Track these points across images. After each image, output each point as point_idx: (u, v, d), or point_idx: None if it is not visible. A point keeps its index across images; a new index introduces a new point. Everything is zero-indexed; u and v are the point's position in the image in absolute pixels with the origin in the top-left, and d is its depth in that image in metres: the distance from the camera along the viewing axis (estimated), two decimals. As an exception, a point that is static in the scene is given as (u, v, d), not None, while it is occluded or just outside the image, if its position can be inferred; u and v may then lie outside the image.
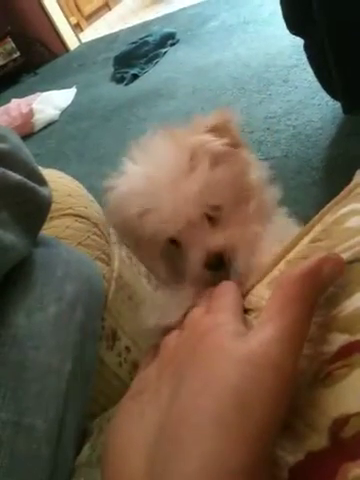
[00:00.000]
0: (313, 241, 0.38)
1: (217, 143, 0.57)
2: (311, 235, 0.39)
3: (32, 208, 0.67)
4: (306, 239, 0.39)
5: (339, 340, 0.31)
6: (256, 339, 0.31)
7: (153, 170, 0.56)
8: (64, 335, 0.62)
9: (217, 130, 0.58)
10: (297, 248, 0.39)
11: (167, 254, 0.58)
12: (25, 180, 0.65)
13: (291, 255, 0.40)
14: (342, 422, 0.28)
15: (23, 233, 0.63)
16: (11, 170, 0.63)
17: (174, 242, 0.56)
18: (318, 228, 0.39)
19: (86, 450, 0.55)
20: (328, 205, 0.40)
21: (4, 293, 0.61)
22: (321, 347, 0.32)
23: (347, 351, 0.30)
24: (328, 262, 0.33)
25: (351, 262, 0.33)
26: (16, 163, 0.66)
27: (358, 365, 0.29)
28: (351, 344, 0.30)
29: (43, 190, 0.69)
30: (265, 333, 0.31)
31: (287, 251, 0.40)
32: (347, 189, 0.40)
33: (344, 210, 0.38)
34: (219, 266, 0.53)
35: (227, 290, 0.42)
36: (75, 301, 0.67)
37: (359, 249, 0.33)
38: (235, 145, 0.59)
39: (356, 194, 0.39)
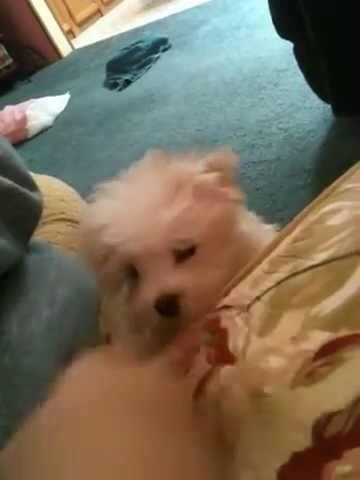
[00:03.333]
0: (295, 240, 0.39)
1: (207, 177, 0.54)
2: (293, 234, 0.40)
3: (23, 213, 0.67)
4: (288, 238, 0.40)
5: (321, 338, 0.31)
6: None
7: (131, 192, 0.54)
8: (57, 339, 0.62)
9: (212, 167, 0.56)
10: (280, 246, 0.40)
11: (124, 286, 0.55)
12: (16, 186, 0.65)
13: (274, 254, 0.40)
14: (324, 421, 0.29)
15: (15, 238, 0.64)
16: (2, 176, 0.64)
17: (133, 273, 0.53)
18: (300, 227, 0.39)
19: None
20: (309, 205, 0.41)
21: None
22: (303, 345, 0.32)
23: (329, 349, 0.30)
24: None
25: (331, 261, 0.33)
26: (7, 169, 0.66)
27: (340, 363, 0.30)
28: (333, 342, 0.30)
29: (34, 195, 0.70)
30: None
31: (270, 250, 0.41)
32: (328, 189, 0.41)
33: (326, 209, 0.39)
34: (170, 311, 0.49)
35: None
36: (68, 305, 0.67)
37: (340, 247, 0.34)
38: (225, 185, 0.56)
39: (337, 193, 0.40)
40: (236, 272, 0.48)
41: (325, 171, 1.50)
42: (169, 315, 0.50)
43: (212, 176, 0.55)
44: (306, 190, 1.46)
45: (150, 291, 0.50)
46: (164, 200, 0.52)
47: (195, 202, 0.52)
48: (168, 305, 0.49)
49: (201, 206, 0.52)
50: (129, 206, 0.53)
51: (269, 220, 1.39)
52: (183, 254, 0.52)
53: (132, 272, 0.54)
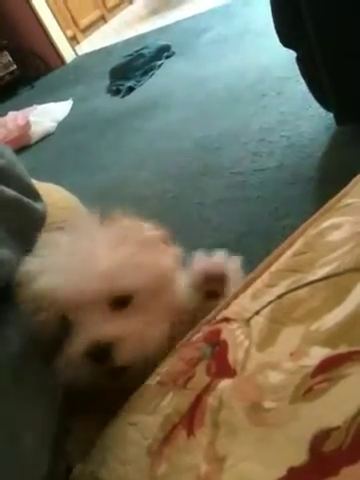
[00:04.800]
0: (296, 254, 0.39)
1: (153, 232, 0.58)
2: (294, 247, 0.40)
3: (27, 223, 0.68)
4: (289, 251, 0.40)
5: (320, 354, 0.31)
6: None
7: (73, 244, 0.55)
8: None
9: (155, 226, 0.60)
10: (280, 260, 0.40)
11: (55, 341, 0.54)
12: (20, 196, 0.66)
13: (274, 267, 0.40)
14: (323, 436, 0.29)
15: (18, 248, 0.64)
16: (6, 186, 0.64)
17: (65, 326, 0.53)
18: (301, 241, 0.40)
19: (79, 464, 0.55)
20: (311, 218, 0.41)
21: None
22: (302, 361, 0.32)
23: (328, 365, 0.31)
24: None
25: (331, 277, 0.34)
26: (11, 179, 0.67)
27: (339, 379, 0.30)
28: (332, 358, 0.31)
29: (38, 205, 0.70)
30: None
31: (271, 263, 0.41)
32: (330, 203, 0.41)
33: (326, 224, 0.39)
34: (100, 357, 0.50)
35: None
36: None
37: (340, 263, 0.34)
38: (167, 243, 0.59)
39: (338, 208, 0.40)
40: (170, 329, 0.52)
41: (327, 179, 1.50)
42: (102, 362, 0.50)
43: (158, 232, 0.58)
44: (308, 198, 1.46)
45: (83, 338, 0.50)
46: (105, 249, 0.53)
47: (138, 252, 0.54)
48: (100, 353, 0.50)
49: (143, 256, 0.55)
50: (66, 255, 0.54)
51: (271, 228, 1.40)
52: (119, 303, 0.52)
53: (65, 325, 0.53)
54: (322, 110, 1.68)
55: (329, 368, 0.30)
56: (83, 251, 0.53)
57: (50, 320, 0.52)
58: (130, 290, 0.53)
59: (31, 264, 0.55)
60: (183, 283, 0.60)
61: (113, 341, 0.50)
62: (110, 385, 0.52)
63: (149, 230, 0.59)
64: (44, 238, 0.60)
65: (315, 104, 1.67)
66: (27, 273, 0.54)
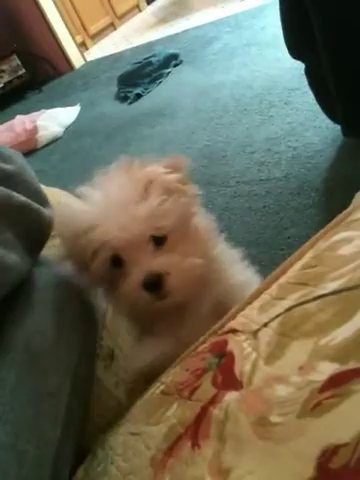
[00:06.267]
0: (305, 267, 0.39)
1: (170, 176, 0.66)
2: (303, 261, 0.40)
3: (35, 229, 0.68)
4: (298, 264, 0.40)
5: (329, 369, 0.31)
6: None
7: (107, 194, 0.64)
8: (63, 356, 0.62)
9: (173, 169, 0.67)
10: (288, 273, 0.40)
11: (109, 278, 0.64)
12: (30, 201, 0.66)
13: (283, 279, 0.40)
14: (331, 453, 0.28)
15: (26, 253, 0.64)
16: (16, 191, 0.65)
17: (117, 264, 0.63)
18: (310, 254, 0.39)
19: (79, 473, 0.55)
20: (321, 231, 0.41)
21: (3, 315, 0.61)
22: (311, 375, 0.32)
23: (337, 381, 0.30)
24: None
25: (341, 291, 0.33)
26: (21, 184, 0.67)
27: (348, 395, 0.29)
28: (341, 374, 0.30)
29: (46, 211, 0.70)
30: None
31: (279, 275, 0.41)
32: (340, 216, 0.41)
33: (337, 237, 0.39)
34: (155, 287, 0.60)
35: None
36: (74, 321, 0.67)
37: (350, 277, 0.34)
38: (185, 183, 0.67)
39: (349, 222, 0.40)
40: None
41: (332, 191, 1.50)
42: (156, 290, 0.60)
43: (174, 176, 0.67)
44: (313, 209, 1.46)
45: (139, 272, 0.61)
46: (137, 197, 0.62)
47: (164, 197, 0.63)
48: (155, 282, 0.60)
49: (169, 200, 0.63)
50: (109, 206, 0.63)
51: (276, 237, 1.40)
52: (158, 242, 0.63)
53: (116, 263, 0.63)
54: (329, 122, 1.68)
55: (338, 383, 0.30)
56: (122, 203, 0.62)
57: (105, 261, 0.62)
58: (166, 230, 0.63)
59: (81, 220, 0.63)
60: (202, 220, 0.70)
61: (162, 272, 0.60)
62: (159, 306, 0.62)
63: (169, 174, 0.67)
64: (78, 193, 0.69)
65: (322, 115, 1.68)
66: (81, 226, 0.63)
